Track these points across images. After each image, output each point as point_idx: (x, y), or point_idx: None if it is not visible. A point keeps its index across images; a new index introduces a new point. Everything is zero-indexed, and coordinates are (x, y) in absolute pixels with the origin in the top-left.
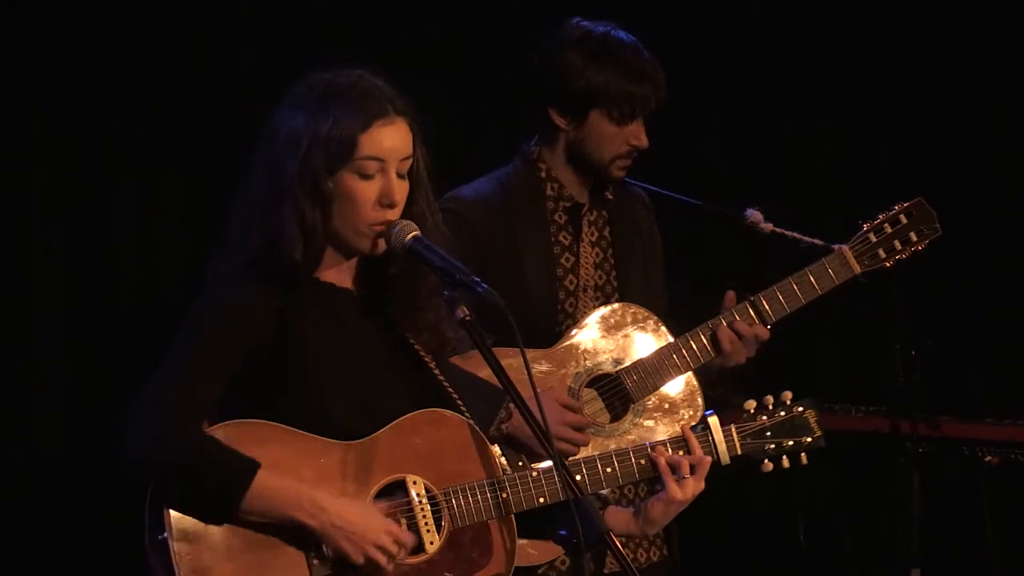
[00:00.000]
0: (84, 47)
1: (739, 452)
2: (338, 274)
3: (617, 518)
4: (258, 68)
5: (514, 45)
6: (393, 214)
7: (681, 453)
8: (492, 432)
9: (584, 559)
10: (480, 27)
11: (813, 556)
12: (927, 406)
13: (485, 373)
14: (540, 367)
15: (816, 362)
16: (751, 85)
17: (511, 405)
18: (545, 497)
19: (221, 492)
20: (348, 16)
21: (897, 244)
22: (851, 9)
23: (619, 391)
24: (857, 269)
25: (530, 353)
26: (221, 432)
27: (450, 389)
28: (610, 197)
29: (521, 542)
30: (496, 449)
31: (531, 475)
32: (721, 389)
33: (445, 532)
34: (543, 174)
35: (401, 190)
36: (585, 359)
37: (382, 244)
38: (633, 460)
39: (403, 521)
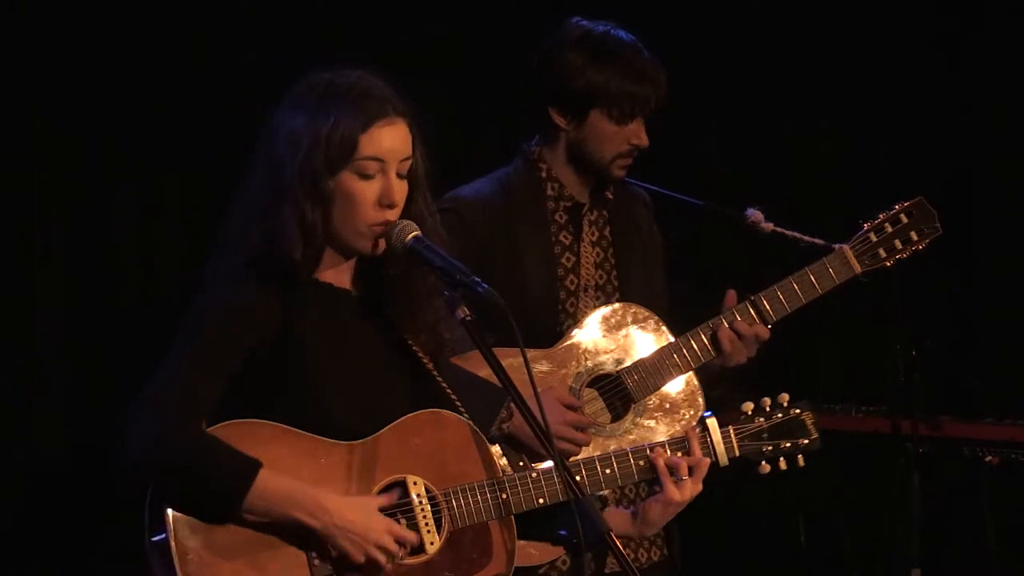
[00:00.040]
0: (84, 47)
1: (737, 454)
2: (337, 275)
3: (615, 519)
4: (258, 68)
5: (514, 45)
6: (393, 214)
7: (679, 454)
8: (493, 432)
9: (584, 559)
10: (480, 27)
11: (813, 556)
12: (927, 406)
13: (485, 373)
14: (541, 367)
15: (816, 362)
16: (751, 85)
17: (512, 405)
18: (545, 498)
19: (223, 491)
20: (348, 16)
21: (898, 243)
22: (851, 9)
23: (620, 391)
24: (858, 268)
25: (531, 353)
26: (221, 432)
27: (448, 390)
28: (610, 197)
29: (521, 542)
30: (497, 449)
31: (531, 476)
32: (722, 389)
33: (445, 532)
34: (543, 174)
35: (401, 191)
36: (586, 359)
37: (382, 244)
38: (632, 461)
39: (403, 521)
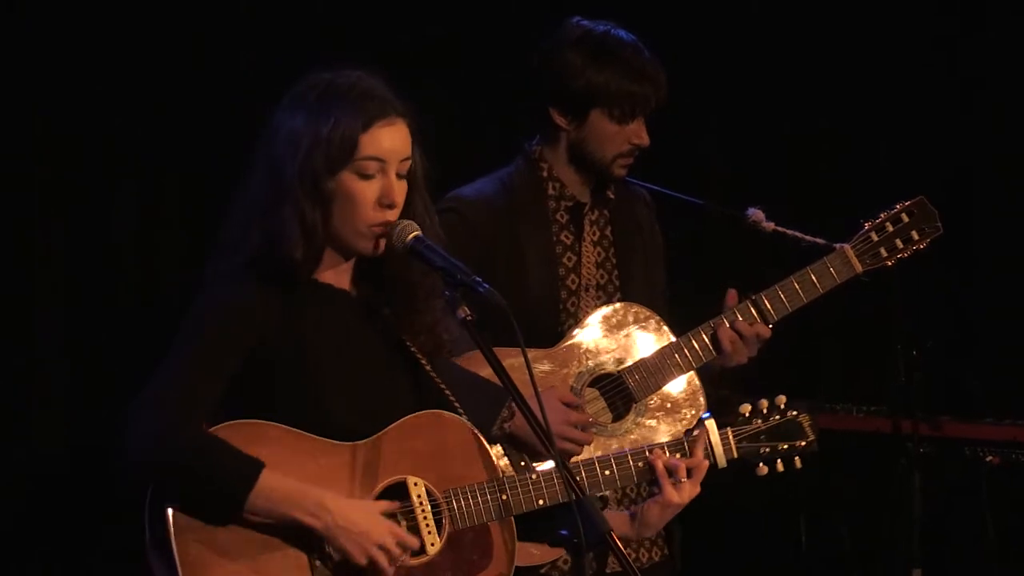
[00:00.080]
0: (84, 47)
1: (735, 455)
2: (336, 275)
3: (613, 521)
4: (258, 68)
5: (514, 45)
6: (392, 215)
7: (678, 456)
8: (494, 431)
9: (586, 559)
10: (480, 27)
11: (814, 556)
12: (928, 406)
13: (487, 372)
14: (542, 367)
15: (817, 362)
16: (751, 85)
17: (513, 404)
18: (545, 499)
19: (226, 491)
20: (348, 16)
21: (899, 243)
22: (851, 9)
23: (621, 391)
24: (859, 268)
25: (532, 353)
26: (223, 432)
27: (447, 392)
28: (612, 196)
29: (522, 542)
30: (499, 449)
31: (531, 477)
32: (725, 391)
33: (446, 533)
34: (545, 173)
35: (400, 191)
36: (587, 359)
37: (382, 245)
38: (631, 463)
39: (403, 523)
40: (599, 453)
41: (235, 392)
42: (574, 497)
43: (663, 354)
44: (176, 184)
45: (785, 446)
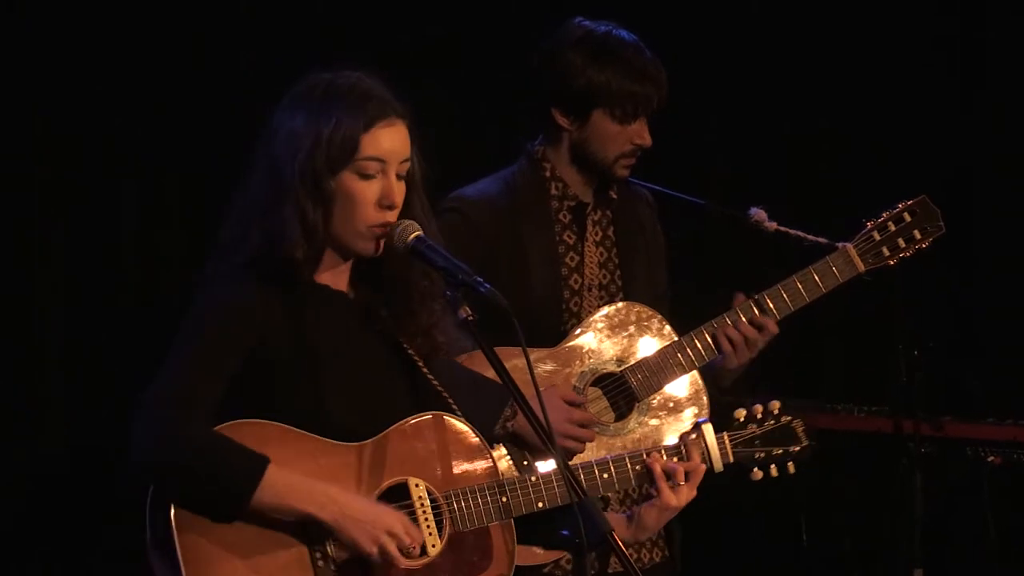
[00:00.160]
0: (84, 47)
1: (731, 459)
2: (334, 277)
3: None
4: (258, 68)
5: (514, 45)
6: (392, 216)
7: (675, 460)
8: (497, 430)
9: (587, 559)
10: (480, 27)
11: (815, 556)
12: (930, 406)
13: (490, 372)
14: (545, 366)
15: (819, 362)
16: (751, 85)
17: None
18: (544, 501)
19: (233, 488)
20: (348, 16)
21: (901, 242)
22: (851, 9)
23: (624, 390)
24: (861, 267)
25: (534, 352)
26: (226, 432)
27: (444, 393)
28: (614, 196)
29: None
30: (501, 449)
31: (530, 479)
32: (729, 396)
33: (446, 535)
34: (547, 173)
35: (400, 192)
36: (589, 358)
37: (381, 246)
38: (629, 466)
39: None
40: (602, 452)
41: (235, 392)
42: (575, 497)
43: (665, 353)
44: (176, 184)
45: (780, 451)
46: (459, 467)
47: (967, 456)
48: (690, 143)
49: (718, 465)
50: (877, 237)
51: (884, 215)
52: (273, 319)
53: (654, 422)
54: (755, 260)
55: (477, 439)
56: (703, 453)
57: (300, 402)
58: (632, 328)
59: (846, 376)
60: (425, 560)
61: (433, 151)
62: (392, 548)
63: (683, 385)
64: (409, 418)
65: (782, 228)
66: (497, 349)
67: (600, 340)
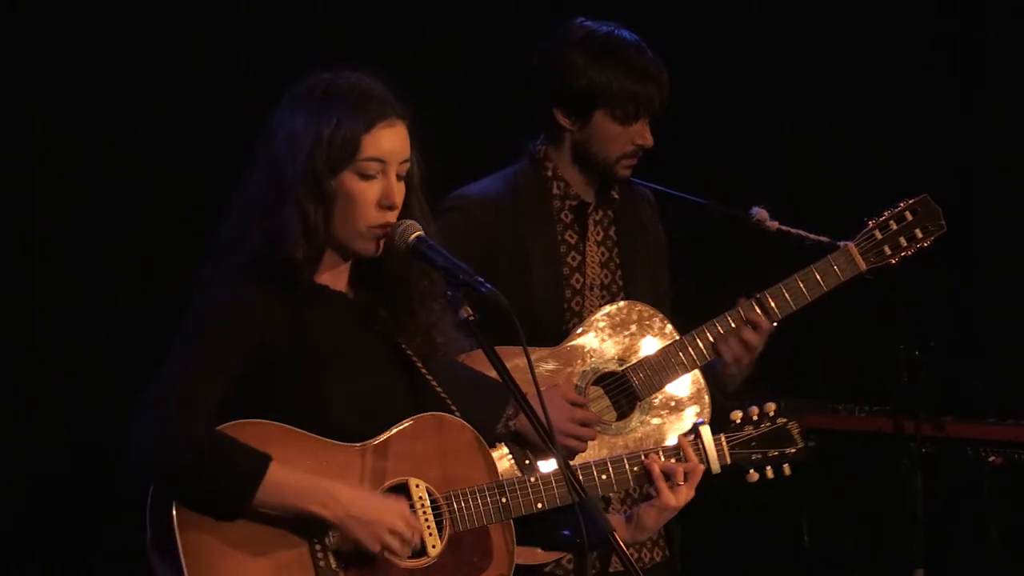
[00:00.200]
0: (84, 47)
1: (728, 461)
2: (333, 277)
3: None
4: (258, 68)
5: (514, 45)
6: (393, 216)
7: (673, 461)
8: (500, 429)
9: (588, 559)
10: (480, 27)
11: (816, 556)
12: (931, 406)
13: (492, 371)
14: (546, 366)
15: (819, 361)
16: (751, 85)
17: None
18: (543, 502)
19: (235, 487)
20: (348, 16)
21: (902, 241)
22: (851, 9)
23: (625, 389)
24: (863, 266)
25: (536, 352)
26: (228, 431)
27: (443, 394)
28: (616, 196)
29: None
30: (503, 449)
31: (530, 481)
32: (736, 401)
33: (446, 535)
34: (549, 173)
35: (400, 193)
36: (591, 357)
37: (381, 246)
38: (627, 467)
39: None
40: (604, 451)
41: (236, 392)
42: (577, 498)
43: (667, 352)
44: (176, 184)
45: (775, 453)
46: (459, 468)
47: (968, 456)
48: (690, 143)
49: (716, 466)
50: (879, 236)
51: (886, 214)
52: (273, 319)
53: (656, 421)
54: (756, 260)
55: (477, 440)
56: (700, 454)
57: (300, 402)
58: (634, 327)
59: (847, 376)
60: (425, 560)
61: (433, 151)
62: (395, 545)
63: (685, 384)
64: (409, 418)
65: (783, 227)
66: (498, 348)
67: (602, 339)
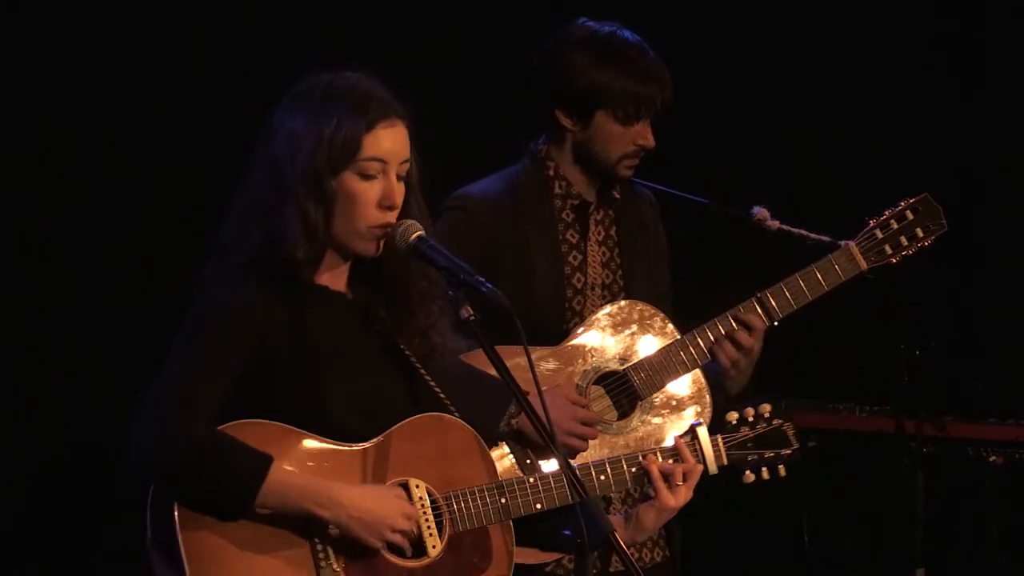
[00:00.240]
0: (84, 47)
1: (725, 462)
2: (333, 278)
3: None
4: (258, 68)
5: (514, 45)
6: (393, 216)
7: (671, 461)
8: (502, 427)
9: (589, 558)
10: (480, 27)
11: (817, 556)
12: (932, 406)
13: (493, 371)
14: (547, 365)
15: (820, 361)
16: (751, 85)
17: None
18: (542, 503)
19: (236, 487)
20: (348, 16)
21: (903, 240)
22: (851, 9)
23: (626, 389)
24: (864, 265)
25: (537, 351)
26: (230, 432)
27: (441, 395)
28: (617, 196)
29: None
30: (504, 448)
31: (529, 481)
32: (736, 405)
33: (446, 535)
34: (551, 172)
35: (400, 193)
36: (592, 357)
37: (381, 246)
38: (625, 468)
39: None
40: (605, 451)
41: (236, 392)
42: (578, 498)
43: (668, 352)
44: (176, 184)
45: (771, 454)
46: (458, 468)
47: (969, 456)
48: (690, 143)
49: (712, 467)
50: (879, 235)
51: (886, 213)
52: (273, 319)
53: (657, 420)
54: (757, 259)
55: (476, 440)
56: (697, 455)
57: (300, 402)
58: (635, 327)
59: (847, 376)
60: (426, 561)
61: (433, 151)
62: (400, 541)
63: (686, 383)
64: (410, 419)
65: (784, 227)
66: (499, 348)
67: (603, 339)
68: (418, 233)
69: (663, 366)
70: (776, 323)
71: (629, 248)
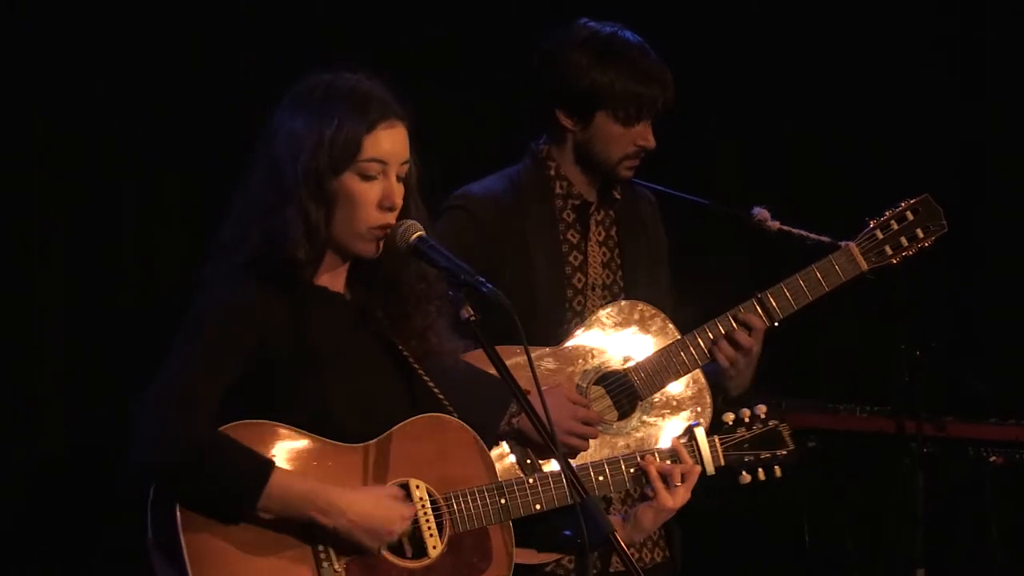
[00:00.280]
0: (84, 47)
1: (722, 463)
2: (332, 279)
3: None
4: (258, 68)
5: (514, 45)
6: (393, 217)
7: (670, 462)
8: (503, 427)
9: (589, 558)
10: (480, 27)
11: (817, 556)
12: (932, 406)
13: (493, 371)
14: (548, 365)
15: (820, 362)
16: (751, 85)
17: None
18: (542, 503)
19: (237, 490)
20: (348, 16)
21: (904, 240)
22: (851, 9)
23: (627, 389)
24: (864, 266)
25: (538, 351)
26: (230, 432)
27: (440, 395)
28: (617, 196)
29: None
30: (504, 448)
31: (528, 482)
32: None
33: (446, 536)
34: (552, 172)
35: (400, 194)
36: (593, 357)
37: (380, 247)
38: (623, 468)
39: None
40: (605, 451)
41: (236, 393)
42: (578, 498)
43: (668, 352)
44: (176, 184)
45: (767, 455)
46: (458, 468)
47: (969, 456)
48: (690, 143)
49: (710, 468)
50: (880, 236)
51: (887, 213)
52: (273, 319)
53: (657, 420)
54: (757, 260)
55: (476, 440)
56: (695, 456)
57: (301, 402)
58: (635, 327)
59: (848, 376)
60: (426, 561)
61: (433, 151)
62: (395, 539)
63: (686, 384)
64: (410, 419)
65: (785, 227)
66: (499, 348)
67: (603, 339)
68: (419, 233)
69: (663, 366)
70: (776, 323)
71: (630, 248)
